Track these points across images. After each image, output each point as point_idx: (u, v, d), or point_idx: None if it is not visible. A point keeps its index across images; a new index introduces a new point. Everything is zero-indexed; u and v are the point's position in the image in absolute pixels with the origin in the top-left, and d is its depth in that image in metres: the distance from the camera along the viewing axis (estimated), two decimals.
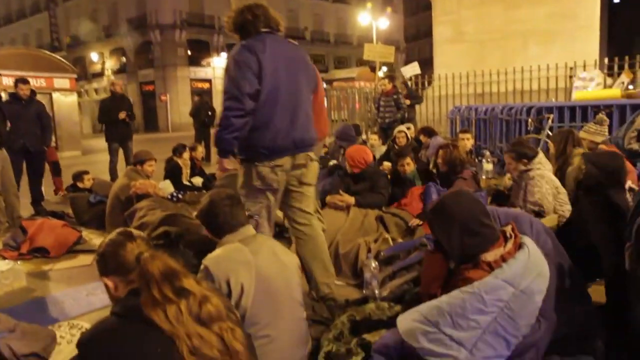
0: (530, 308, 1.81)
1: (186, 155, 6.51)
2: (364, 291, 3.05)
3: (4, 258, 4.19)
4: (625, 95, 6.65)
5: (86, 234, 5.00)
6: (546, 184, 3.50)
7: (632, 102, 6.25)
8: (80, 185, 5.94)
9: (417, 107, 9.93)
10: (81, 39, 36.60)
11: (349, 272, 3.47)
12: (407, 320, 1.88)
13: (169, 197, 5.55)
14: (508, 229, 2.00)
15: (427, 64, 13.12)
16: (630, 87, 7.52)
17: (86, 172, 6.17)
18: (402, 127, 6.97)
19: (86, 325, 2.65)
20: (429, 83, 11.60)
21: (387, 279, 3.09)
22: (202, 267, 2.03)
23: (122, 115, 7.41)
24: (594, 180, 2.56)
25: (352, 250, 3.50)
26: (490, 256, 1.87)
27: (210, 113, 10.92)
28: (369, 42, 14.23)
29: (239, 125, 2.64)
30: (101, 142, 8.55)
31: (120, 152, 7.68)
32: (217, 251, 2.10)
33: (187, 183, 6.35)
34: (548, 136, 6.21)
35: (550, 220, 3.25)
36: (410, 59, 25.97)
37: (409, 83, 10.62)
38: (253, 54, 2.62)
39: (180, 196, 5.70)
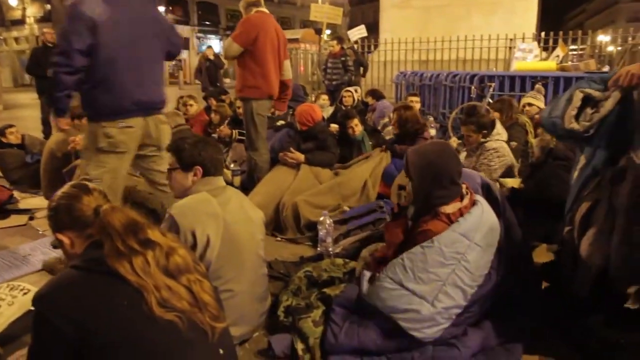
0: (484, 260, 1.92)
1: None
2: (318, 248, 3.10)
3: None
4: (559, 68, 7.01)
5: (17, 193, 4.69)
6: (496, 159, 3.55)
7: (565, 74, 6.59)
8: (4, 140, 5.46)
9: (362, 71, 9.95)
10: None
11: (294, 229, 3.51)
12: (369, 283, 1.95)
13: None
14: (463, 187, 2.10)
15: (371, 29, 13.08)
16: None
17: (11, 126, 5.69)
18: (350, 88, 6.98)
19: (28, 286, 2.51)
20: (375, 47, 11.63)
21: (340, 237, 3.15)
22: (167, 215, 1.97)
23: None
24: (562, 152, 2.96)
25: (291, 210, 3.52)
26: (449, 209, 1.96)
27: None
28: (316, 3, 13.93)
29: (69, 83, 2.53)
30: (24, 97, 7.95)
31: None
32: (184, 200, 2.03)
33: None
34: (489, 104, 6.46)
35: (513, 182, 3.42)
36: (354, 23, 25.78)
37: (355, 46, 10.58)
38: (91, 6, 2.46)
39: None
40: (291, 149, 4.09)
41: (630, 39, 8.57)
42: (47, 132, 7.15)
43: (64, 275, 1.38)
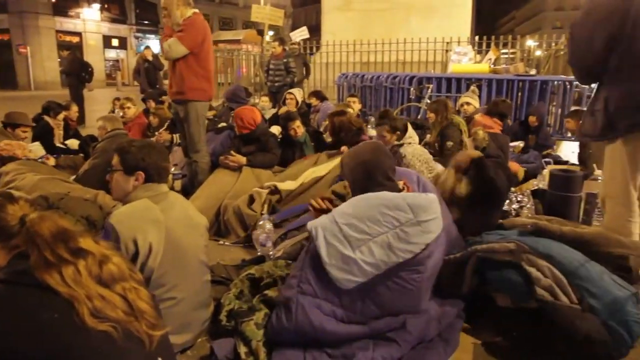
0: (420, 240, 1.94)
1: (61, 115, 5.88)
2: (259, 252, 3.08)
3: None
4: (492, 71, 7.39)
5: None
6: (417, 162, 3.68)
7: (497, 76, 6.98)
8: None
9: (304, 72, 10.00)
10: None
11: (239, 230, 3.48)
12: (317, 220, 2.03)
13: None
14: (400, 183, 2.18)
15: (313, 31, 13.19)
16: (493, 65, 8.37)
17: None
18: (293, 90, 6.99)
19: None
20: (317, 49, 11.72)
21: (279, 239, 3.14)
22: (106, 224, 1.90)
23: None
24: (493, 151, 3.23)
25: (233, 212, 3.51)
26: None
27: (89, 69, 9.98)
28: (257, 4, 13.87)
29: None
30: None
31: None
32: (124, 208, 1.97)
33: (61, 145, 5.76)
34: (427, 104, 6.70)
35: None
36: (297, 24, 25.89)
37: (299, 48, 10.62)
38: None
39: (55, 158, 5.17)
40: (232, 152, 4.05)
41: (553, 44, 9.15)
42: None
43: None
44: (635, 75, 2.16)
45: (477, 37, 9.82)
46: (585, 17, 2.24)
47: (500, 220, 2.81)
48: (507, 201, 3.89)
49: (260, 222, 3.07)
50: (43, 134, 5.60)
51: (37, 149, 5.25)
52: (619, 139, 2.34)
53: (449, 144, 4.27)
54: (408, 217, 1.93)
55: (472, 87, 5.86)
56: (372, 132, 5.97)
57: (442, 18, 10.71)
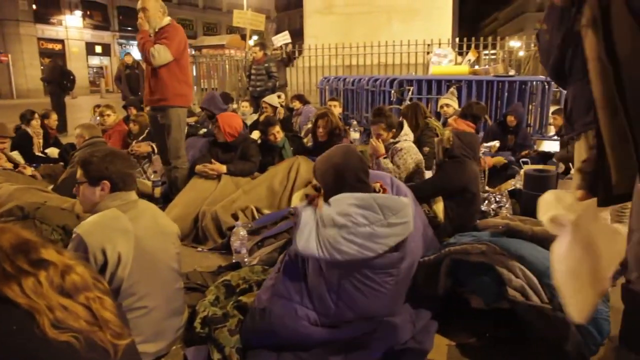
0: (385, 241, 1.97)
1: (35, 122, 5.81)
2: (234, 259, 3.08)
3: None
4: (471, 72, 7.46)
5: None
6: (410, 158, 3.72)
7: (476, 78, 7.05)
8: None
9: (287, 76, 10.01)
10: None
11: (217, 237, 3.48)
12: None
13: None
14: (377, 185, 2.21)
15: (297, 35, 13.21)
16: (477, 66, 8.45)
17: None
18: (267, 99, 6.86)
19: None
20: (299, 53, 11.74)
21: (255, 247, 3.13)
22: (73, 235, 1.89)
23: None
24: (458, 150, 3.15)
25: (210, 218, 3.50)
26: None
27: (71, 77, 9.90)
28: (239, 9, 13.84)
29: None
30: None
31: None
32: (91, 218, 1.95)
33: (41, 154, 5.71)
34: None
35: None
36: (281, 29, 25.95)
37: (281, 53, 10.64)
38: None
39: (33, 168, 5.12)
40: (212, 160, 4.05)
41: (533, 45, 9.26)
42: None
43: None
44: (586, 74, 2.18)
45: (457, 39, 9.91)
46: (546, 19, 2.28)
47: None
48: (486, 202, 3.94)
49: (235, 229, 3.06)
50: (22, 143, 5.56)
51: (16, 158, 5.20)
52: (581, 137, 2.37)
53: (426, 149, 4.29)
54: (377, 217, 1.95)
55: (452, 89, 5.92)
56: (354, 135, 6.00)
57: (424, 20, 10.80)
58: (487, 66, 8.17)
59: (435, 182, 3.31)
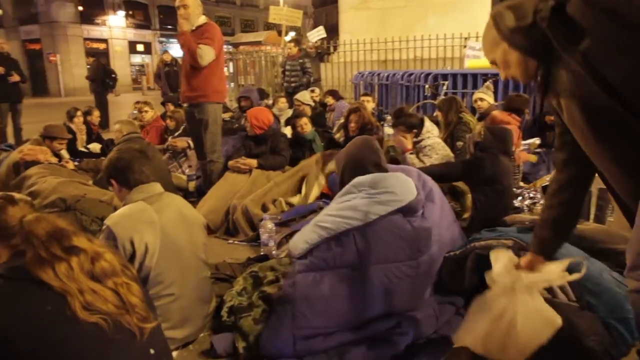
0: (371, 208, 2.11)
1: (78, 120, 6.07)
2: (262, 251, 3.14)
3: None
4: None
5: None
6: (435, 154, 3.66)
7: None
8: None
9: (322, 72, 10.05)
10: None
11: (247, 229, 3.54)
12: None
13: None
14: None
15: (334, 30, 13.21)
16: None
17: None
18: (299, 96, 6.89)
19: None
20: (335, 49, 11.75)
21: (284, 239, 3.18)
22: (104, 227, 1.99)
23: (15, 77, 7.18)
24: (489, 144, 3.10)
25: (241, 211, 3.57)
26: None
27: (113, 75, 10.29)
28: (276, 6, 13.98)
29: None
30: None
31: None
32: (120, 211, 2.06)
33: (84, 149, 5.96)
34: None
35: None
36: (318, 24, 26.04)
37: (315, 50, 10.67)
38: None
39: (76, 163, 5.36)
40: (243, 156, 4.13)
41: None
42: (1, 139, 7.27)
43: None
44: None
45: None
46: None
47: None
48: (520, 198, 3.85)
49: (263, 222, 3.12)
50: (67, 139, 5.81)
51: (61, 153, 5.46)
52: None
53: (459, 144, 4.22)
54: (354, 194, 2.18)
55: (487, 83, 5.77)
56: (388, 130, 5.96)
57: (460, 13, 10.56)
58: None
59: (463, 165, 3.27)
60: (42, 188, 3.84)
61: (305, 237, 2.16)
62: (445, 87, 6.94)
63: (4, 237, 1.54)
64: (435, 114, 6.64)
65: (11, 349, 1.26)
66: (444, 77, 7.22)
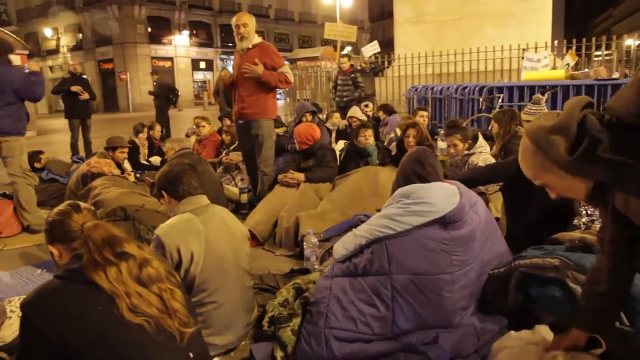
0: (405, 219, 2.13)
1: (142, 134, 6.46)
2: (304, 265, 3.19)
3: None
4: (568, 77, 6.98)
5: (42, 214, 4.95)
6: None
7: (574, 82, 6.58)
8: (37, 165, 5.75)
9: (377, 86, 10.07)
10: (33, 13, 34.93)
11: (291, 244, 3.61)
12: None
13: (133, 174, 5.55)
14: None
15: (390, 44, 13.23)
16: (586, 69, 7.86)
17: (42, 152, 6.05)
18: (352, 112, 6.94)
19: None
20: (389, 63, 11.76)
21: (326, 254, 3.22)
22: (154, 236, 2.13)
23: (85, 96, 7.73)
24: None
25: (292, 223, 3.63)
26: None
27: (176, 92, 10.88)
28: (333, 22, 14.21)
29: None
30: (56, 122, 8.63)
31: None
32: (169, 221, 2.19)
33: (145, 162, 6.32)
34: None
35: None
36: (374, 39, 26.15)
37: (369, 66, 10.70)
38: None
39: (138, 175, 5.70)
40: (291, 170, 4.24)
41: None
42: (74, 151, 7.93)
43: (47, 284, 1.54)
44: None
45: (555, 42, 9.28)
46: None
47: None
48: (577, 215, 3.68)
49: (306, 237, 3.18)
50: (131, 153, 6.19)
51: (125, 166, 5.83)
52: None
53: (511, 158, 4.10)
54: (389, 202, 2.20)
55: (535, 95, 5.52)
56: (441, 144, 5.88)
57: (519, 24, 10.32)
58: (586, 69, 7.58)
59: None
60: (106, 198, 4.12)
61: (344, 244, 2.23)
62: (500, 100, 6.76)
63: (67, 240, 1.70)
64: (490, 127, 6.50)
65: (68, 343, 1.39)
66: (499, 89, 7.04)
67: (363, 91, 8.42)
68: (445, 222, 2.13)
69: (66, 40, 34.15)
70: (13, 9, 34.85)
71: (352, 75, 8.47)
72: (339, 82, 8.65)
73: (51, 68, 34.49)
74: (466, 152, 3.71)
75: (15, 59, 7.87)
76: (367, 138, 4.62)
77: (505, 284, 2.28)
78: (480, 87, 7.29)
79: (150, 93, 10.72)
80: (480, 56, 9.83)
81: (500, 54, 9.56)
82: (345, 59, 8.78)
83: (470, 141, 3.72)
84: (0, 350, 2.37)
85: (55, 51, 34.82)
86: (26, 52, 14.60)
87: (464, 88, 7.61)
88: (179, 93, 11.28)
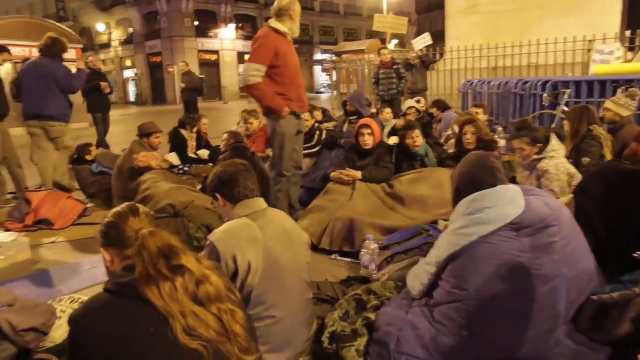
0: (470, 230, 1.89)
1: (196, 128, 6.39)
2: (362, 272, 2.98)
3: (8, 230, 4.16)
4: None
5: (92, 206, 4.97)
6: (562, 175, 3.26)
7: None
8: (88, 158, 5.76)
9: (428, 80, 9.70)
10: (88, 9, 36.17)
11: (347, 245, 3.42)
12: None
13: (179, 171, 5.49)
14: None
15: (438, 37, 12.78)
16: None
17: (91, 145, 6.07)
18: (412, 102, 6.75)
19: (86, 299, 2.60)
20: (441, 56, 11.32)
21: (385, 262, 2.98)
22: (208, 242, 1.95)
23: (107, 88, 8.07)
24: None
25: (347, 225, 3.44)
26: None
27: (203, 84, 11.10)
28: (379, 14, 13.85)
29: None
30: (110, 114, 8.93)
31: None
32: (224, 226, 2.00)
33: (193, 156, 6.25)
34: (564, 112, 6.02)
35: (565, 199, 3.12)
36: (422, 31, 25.51)
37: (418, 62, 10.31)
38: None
39: (186, 169, 5.63)
40: (346, 167, 4.01)
41: None
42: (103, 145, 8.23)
43: (96, 299, 1.38)
44: None
45: (628, 32, 8.57)
46: None
47: None
48: None
49: (366, 243, 2.95)
50: (178, 146, 6.14)
51: (172, 159, 5.78)
52: None
53: (585, 160, 3.71)
54: (454, 215, 1.98)
55: (633, 89, 4.91)
56: (500, 142, 5.51)
57: (584, 13, 9.62)
58: None
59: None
60: (155, 193, 4.04)
61: (419, 278, 2.01)
62: (566, 96, 6.28)
63: (120, 246, 1.57)
64: (563, 123, 6.01)
65: None
66: (565, 84, 6.56)
67: (407, 82, 8.15)
68: (515, 229, 1.85)
69: (117, 35, 35.14)
70: (70, 6, 36.31)
71: (395, 67, 8.17)
72: (382, 75, 8.38)
73: (104, 62, 35.59)
74: (535, 156, 3.35)
75: (71, 53, 8.20)
76: (415, 140, 4.28)
77: (609, 312, 1.97)
78: (543, 82, 6.83)
79: (185, 88, 10.77)
80: (540, 49, 9.25)
81: (563, 46, 8.96)
82: (386, 51, 8.47)
83: (540, 144, 3.35)
84: (50, 352, 2.27)
85: (107, 45, 35.92)
86: (81, 46, 15.06)
87: (525, 83, 7.15)
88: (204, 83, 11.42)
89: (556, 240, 1.90)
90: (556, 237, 1.90)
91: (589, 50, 8.49)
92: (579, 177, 3.27)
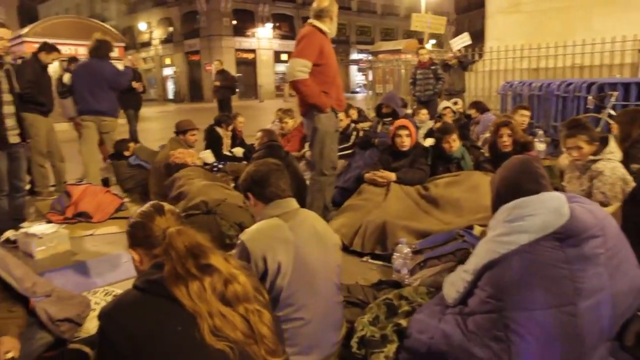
0: (510, 238, 1.80)
1: (232, 126, 6.46)
2: (393, 276, 2.92)
3: (50, 221, 4.31)
4: None
5: (129, 201, 5.09)
6: (617, 179, 3.07)
7: None
8: (126, 153, 5.89)
9: (466, 81, 9.48)
10: (130, 8, 37.24)
11: (379, 247, 3.36)
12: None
13: (213, 168, 5.55)
14: None
15: (477, 37, 12.49)
16: None
17: (129, 141, 6.22)
18: (448, 103, 6.60)
19: (120, 292, 2.65)
20: (480, 56, 11.05)
21: (417, 267, 2.91)
22: (238, 241, 1.95)
23: (140, 87, 8.18)
24: None
25: (379, 227, 3.38)
26: None
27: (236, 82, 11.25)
28: (417, 13, 13.66)
29: None
30: (149, 110, 9.07)
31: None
32: (255, 226, 1.99)
33: (228, 153, 6.31)
34: (610, 116, 5.76)
35: (612, 208, 2.96)
36: (460, 31, 25.02)
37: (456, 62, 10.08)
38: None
39: (220, 166, 5.68)
40: (380, 169, 3.94)
41: None
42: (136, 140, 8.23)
43: (126, 295, 1.39)
44: None
45: None
46: None
47: None
48: None
49: (399, 246, 2.89)
50: (213, 143, 6.21)
51: (207, 157, 5.85)
52: None
53: (635, 167, 3.50)
54: (493, 222, 1.90)
55: None
56: (540, 146, 5.32)
57: (634, 12, 9.17)
58: None
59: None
60: (190, 189, 4.08)
61: (455, 286, 1.94)
62: (613, 99, 6.01)
63: (148, 245, 1.56)
64: (610, 127, 5.74)
65: None
66: (612, 86, 6.27)
67: (444, 83, 7.98)
68: (558, 238, 1.75)
69: (158, 34, 36.00)
70: (114, 6, 37.48)
71: (433, 67, 8.01)
72: (419, 76, 8.23)
73: (145, 59, 36.51)
74: (591, 157, 3.17)
75: (115, 52, 8.48)
76: (452, 144, 4.14)
77: None
78: (588, 84, 6.55)
79: (219, 86, 10.76)
80: (586, 49, 8.88)
81: (611, 46, 8.58)
82: (425, 51, 8.31)
83: (597, 144, 3.18)
84: (84, 342, 2.32)
85: (147, 44, 36.86)
86: (123, 44, 15.52)
87: (568, 84, 6.89)
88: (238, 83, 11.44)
89: (601, 252, 1.80)
90: (601, 249, 1.80)
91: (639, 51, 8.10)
92: (632, 185, 3.09)
